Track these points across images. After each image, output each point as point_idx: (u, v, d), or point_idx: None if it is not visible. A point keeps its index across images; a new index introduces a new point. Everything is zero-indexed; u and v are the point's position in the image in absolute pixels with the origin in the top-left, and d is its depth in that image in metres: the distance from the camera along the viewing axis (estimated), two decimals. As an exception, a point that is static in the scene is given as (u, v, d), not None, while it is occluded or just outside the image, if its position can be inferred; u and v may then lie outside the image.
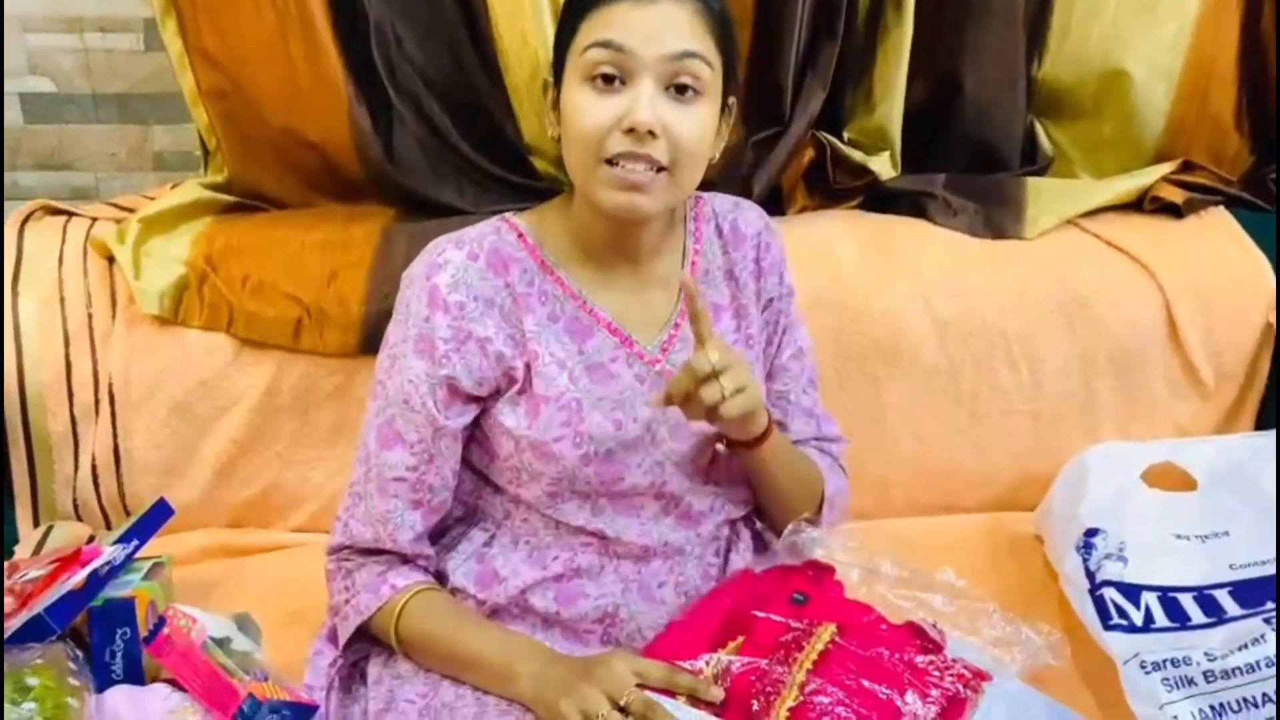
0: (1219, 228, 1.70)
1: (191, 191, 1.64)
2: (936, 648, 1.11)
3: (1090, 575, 1.37)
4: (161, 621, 1.12)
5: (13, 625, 1.11)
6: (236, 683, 1.10)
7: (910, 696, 1.03)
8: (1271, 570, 1.35)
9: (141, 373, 1.53)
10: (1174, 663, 1.23)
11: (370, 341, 1.44)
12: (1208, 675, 1.22)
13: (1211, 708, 1.20)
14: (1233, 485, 1.49)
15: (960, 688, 1.06)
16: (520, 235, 1.22)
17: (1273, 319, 1.62)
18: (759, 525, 1.32)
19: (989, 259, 1.65)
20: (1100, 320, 1.62)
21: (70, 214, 1.63)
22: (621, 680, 1.05)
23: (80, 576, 1.16)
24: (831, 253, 1.63)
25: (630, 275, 1.24)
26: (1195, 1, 1.67)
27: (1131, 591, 1.34)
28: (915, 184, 1.71)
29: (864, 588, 1.19)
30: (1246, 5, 1.69)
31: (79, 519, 1.57)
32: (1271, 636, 1.23)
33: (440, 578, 1.24)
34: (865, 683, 1.04)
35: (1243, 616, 1.29)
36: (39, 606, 1.12)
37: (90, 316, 1.54)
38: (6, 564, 1.26)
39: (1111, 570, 1.36)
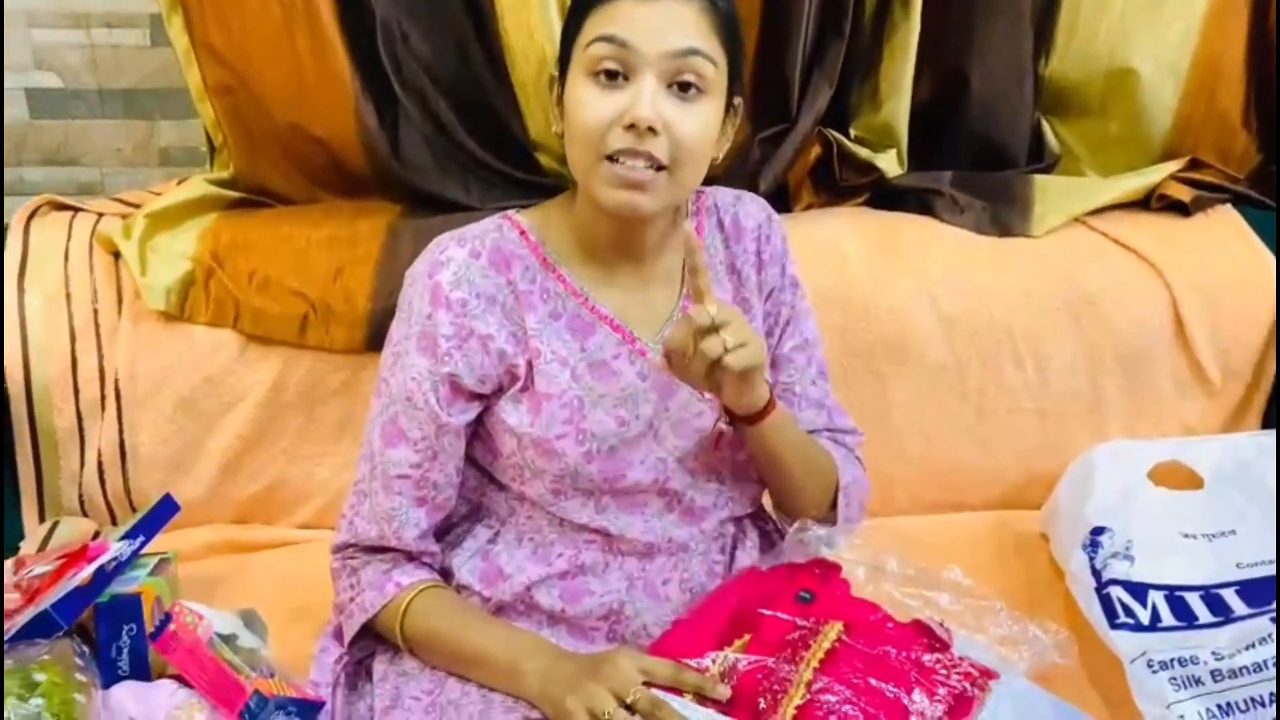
0: (1226, 226, 1.70)
1: (197, 187, 1.64)
2: (943, 646, 1.10)
3: (1096, 574, 1.37)
4: (168, 618, 1.12)
5: (19, 621, 1.11)
6: (243, 679, 1.10)
7: (917, 695, 1.03)
8: (1279, 569, 1.35)
9: (147, 368, 1.53)
10: (1181, 662, 1.23)
11: (376, 337, 1.44)
12: (1215, 674, 1.22)
13: (1219, 707, 1.20)
14: (1239, 484, 1.49)
15: (967, 686, 1.06)
16: (522, 233, 1.22)
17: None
18: (775, 516, 1.32)
19: (995, 257, 1.65)
20: (1107, 318, 1.62)
21: (76, 209, 1.63)
22: (628, 678, 1.05)
23: (87, 572, 1.16)
24: (838, 250, 1.62)
25: (633, 273, 1.23)
26: (1203, -1, 1.67)
27: (1138, 590, 1.34)
28: (922, 181, 1.71)
29: (870, 586, 1.19)
30: (1254, 3, 1.69)
31: (85, 515, 1.57)
32: (1279, 636, 1.23)
33: (445, 575, 1.24)
34: (872, 681, 1.04)
35: (1250, 615, 1.29)
36: (46, 602, 1.12)
37: (96, 312, 1.54)
38: (13, 560, 1.26)
39: (1118, 569, 1.36)
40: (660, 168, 1.11)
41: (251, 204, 1.67)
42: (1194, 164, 1.75)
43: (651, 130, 1.09)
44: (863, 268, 1.62)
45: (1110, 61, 1.69)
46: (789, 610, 1.12)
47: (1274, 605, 1.29)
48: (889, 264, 1.63)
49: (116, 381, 1.53)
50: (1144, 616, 1.31)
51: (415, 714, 1.17)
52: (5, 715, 1.01)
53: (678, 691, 1.04)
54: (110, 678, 1.17)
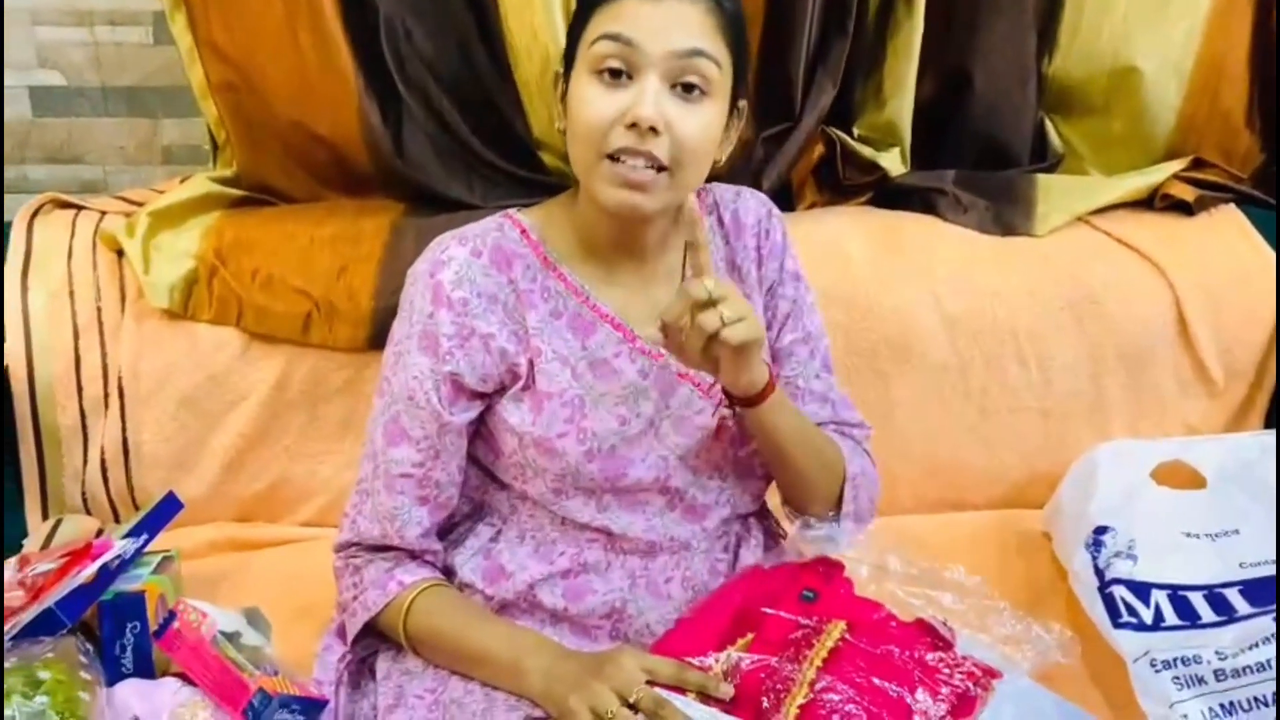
0: (1230, 225, 1.70)
1: (201, 185, 1.64)
2: (947, 645, 1.10)
3: (1099, 573, 1.37)
4: (171, 615, 1.12)
5: (23, 619, 1.11)
6: (246, 677, 1.10)
7: (921, 694, 1.03)
8: (1283, 569, 1.35)
9: (151, 366, 1.53)
10: (1184, 661, 1.24)
11: (379, 336, 1.43)
12: (1218, 674, 1.22)
13: (1222, 706, 1.20)
14: (1242, 483, 1.49)
15: (970, 685, 1.06)
16: (523, 231, 1.22)
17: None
18: (782, 513, 1.31)
19: (999, 256, 1.65)
20: (1110, 318, 1.62)
21: (79, 207, 1.63)
22: (631, 677, 1.05)
23: (91, 570, 1.16)
24: (841, 249, 1.62)
25: (634, 271, 1.23)
26: (1207, -2, 1.67)
27: (1141, 589, 1.34)
28: (925, 180, 1.71)
29: (873, 585, 1.19)
30: (1258, 3, 1.69)
31: (88, 512, 1.57)
32: (1283, 635, 1.23)
33: (448, 573, 1.24)
34: (875, 680, 1.04)
35: (1253, 615, 1.30)
36: (50, 600, 1.12)
37: (99, 310, 1.54)
38: (17, 558, 1.26)
39: (1121, 568, 1.36)
40: (661, 168, 1.11)
41: (254, 202, 1.67)
42: (1197, 163, 1.75)
43: (653, 130, 1.09)
44: (866, 267, 1.61)
45: (1114, 61, 1.69)
46: (792, 609, 1.12)
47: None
48: (892, 263, 1.62)
49: (120, 379, 1.53)
50: (1147, 616, 1.31)
51: (418, 712, 1.17)
52: (10, 713, 1.01)
53: (681, 690, 1.04)
54: (114, 675, 1.17)
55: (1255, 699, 1.20)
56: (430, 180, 1.62)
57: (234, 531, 1.58)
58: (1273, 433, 1.58)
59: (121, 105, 1.85)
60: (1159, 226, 1.68)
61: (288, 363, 1.55)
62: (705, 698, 1.04)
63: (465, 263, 1.17)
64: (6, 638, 1.09)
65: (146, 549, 1.31)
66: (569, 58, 1.16)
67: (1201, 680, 1.22)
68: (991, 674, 1.07)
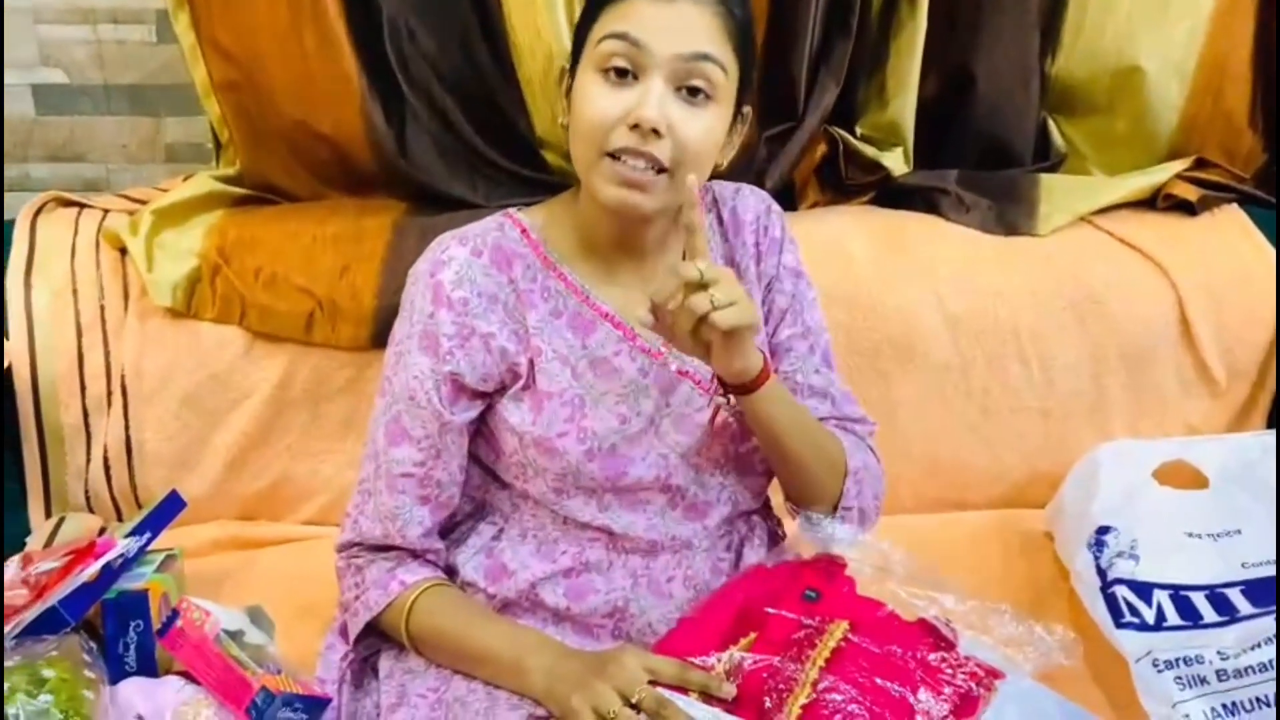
0: (1232, 225, 1.70)
1: (203, 184, 1.64)
2: (949, 645, 1.10)
3: (1101, 573, 1.37)
4: (174, 614, 1.12)
5: (27, 617, 1.11)
6: (249, 675, 1.10)
7: (923, 694, 1.03)
8: (1285, 569, 1.35)
9: (153, 365, 1.54)
10: (1186, 661, 1.24)
11: (382, 335, 1.43)
12: (1220, 674, 1.22)
13: (1224, 706, 1.20)
14: (1245, 483, 1.49)
15: (973, 685, 1.05)
16: (524, 231, 1.22)
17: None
18: (785, 510, 1.31)
19: (1001, 256, 1.65)
20: (1112, 317, 1.62)
21: (82, 206, 1.64)
22: (633, 676, 1.05)
23: (94, 569, 1.16)
24: (843, 248, 1.62)
25: (634, 270, 1.23)
26: (1210, -2, 1.66)
27: (1143, 589, 1.34)
28: (928, 180, 1.71)
29: (875, 584, 1.19)
30: (1261, 3, 1.68)
31: (91, 510, 1.57)
32: (1284, 635, 1.23)
33: (450, 573, 1.24)
34: (878, 680, 1.03)
35: (1255, 615, 1.30)
36: (53, 599, 1.12)
37: (103, 308, 1.54)
38: (21, 556, 1.26)
39: (1123, 568, 1.36)
40: (661, 170, 1.11)
41: (257, 201, 1.67)
42: (1200, 163, 1.74)
43: (655, 132, 1.09)
44: (868, 266, 1.61)
45: (1117, 60, 1.69)
46: (794, 609, 1.12)
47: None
48: (894, 263, 1.62)
49: (123, 378, 1.53)
50: (1149, 616, 1.31)
51: (421, 711, 1.17)
52: (14, 712, 1.01)
53: (683, 690, 1.04)
54: (117, 674, 1.17)
55: (1257, 699, 1.20)
56: (433, 179, 1.62)
57: (237, 530, 1.58)
58: (1274, 433, 1.58)
59: (124, 103, 1.85)
60: (1161, 226, 1.68)
61: (290, 361, 1.55)
62: (708, 697, 1.03)
63: (465, 262, 1.17)
64: (10, 636, 1.09)
65: (149, 547, 1.31)
66: (576, 53, 1.16)
67: (1204, 680, 1.22)
68: (994, 674, 1.07)
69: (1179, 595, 1.34)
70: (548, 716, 1.10)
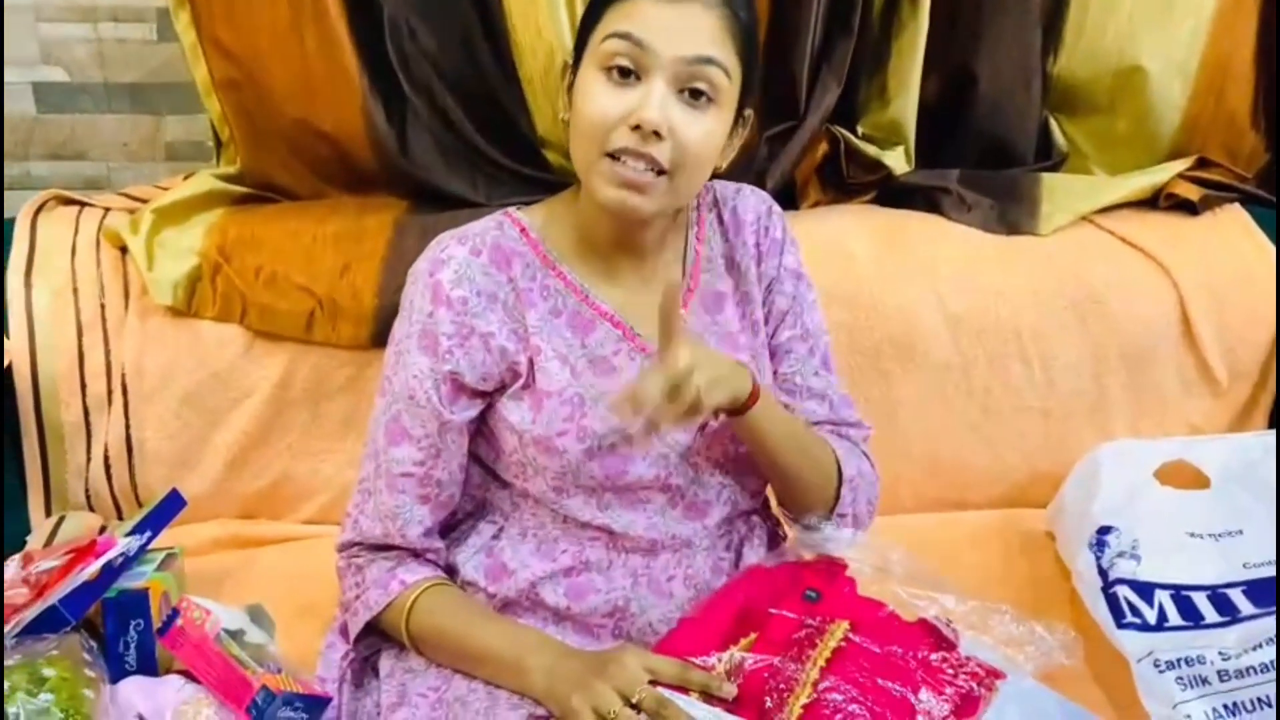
0: (1234, 225, 1.69)
1: (204, 182, 1.64)
2: (950, 645, 1.10)
3: (1103, 573, 1.37)
4: (175, 613, 1.12)
5: (27, 616, 1.10)
6: (250, 675, 1.10)
7: (924, 694, 1.03)
8: (1287, 570, 1.35)
9: (154, 363, 1.54)
10: (1188, 661, 1.23)
11: (382, 334, 1.43)
12: (1222, 674, 1.22)
13: (1225, 706, 1.20)
14: (1246, 483, 1.49)
15: (974, 686, 1.05)
16: (523, 230, 1.22)
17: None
18: (778, 512, 1.31)
19: (1002, 255, 1.65)
20: (1114, 317, 1.62)
21: (83, 204, 1.63)
22: (634, 676, 1.04)
23: (94, 567, 1.16)
24: (845, 248, 1.62)
25: (633, 269, 1.23)
26: (1212, -2, 1.66)
27: (1145, 590, 1.34)
28: (929, 179, 1.71)
29: (876, 584, 1.19)
30: (1263, 3, 1.68)
31: (91, 509, 1.57)
32: (1286, 636, 1.23)
33: (450, 572, 1.24)
34: (879, 680, 1.03)
35: (1256, 615, 1.29)
36: (53, 597, 1.12)
37: (103, 307, 1.54)
38: (21, 555, 1.26)
39: (1124, 568, 1.36)
40: (661, 172, 1.11)
41: (258, 199, 1.67)
42: (1202, 163, 1.74)
43: (656, 134, 1.09)
44: (869, 266, 1.61)
45: (1119, 60, 1.69)
46: (795, 609, 1.12)
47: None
48: (896, 262, 1.62)
49: (123, 376, 1.53)
50: (1150, 616, 1.31)
51: (421, 710, 1.17)
52: (14, 711, 1.01)
53: (684, 690, 1.04)
54: (118, 673, 1.17)
55: (1259, 699, 1.20)
56: (434, 178, 1.62)
57: (237, 529, 1.58)
58: (1275, 433, 1.58)
59: (125, 102, 1.85)
60: (1163, 226, 1.68)
61: (291, 360, 1.55)
62: (708, 697, 1.03)
63: (464, 262, 1.17)
64: (10, 635, 1.09)
65: (150, 546, 1.31)
66: (579, 49, 1.16)
67: (1205, 681, 1.22)
68: (995, 674, 1.07)
69: (1180, 595, 1.33)
70: (548, 716, 1.10)
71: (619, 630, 1.21)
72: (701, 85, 1.10)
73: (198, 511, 1.53)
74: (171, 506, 1.37)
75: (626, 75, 1.10)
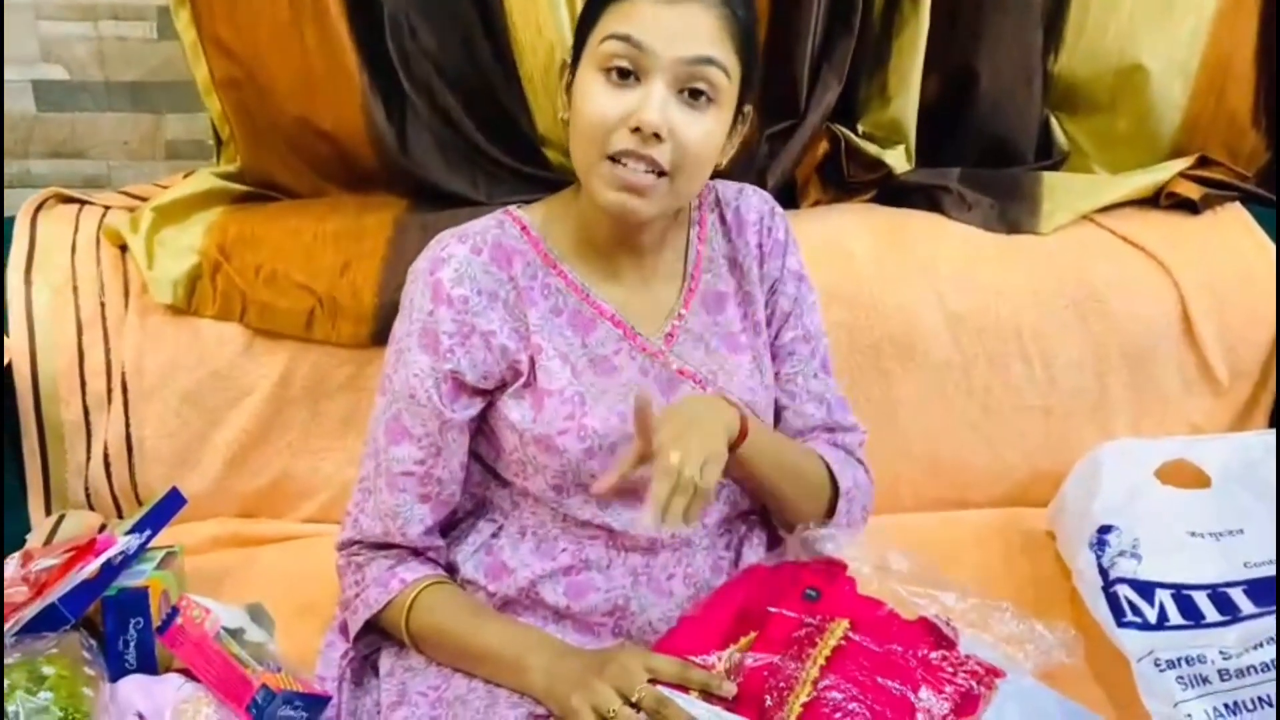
0: (1235, 224, 1.69)
1: (204, 181, 1.64)
2: (950, 644, 1.10)
3: (1104, 572, 1.36)
4: (174, 611, 1.12)
5: (27, 614, 1.10)
6: (250, 673, 1.10)
7: (924, 692, 1.03)
8: (1288, 569, 1.35)
9: (154, 362, 1.53)
10: (1188, 661, 1.23)
11: (382, 332, 1.43)
12: (1222, 674, 1.22)
13: (1226, 706, 1.20)
14: (1247, 483, 1.48)
15: (974, 684, 1.05)
16: (524, 228, 1.22)
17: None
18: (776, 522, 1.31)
19: (1003, 254, 1.64)
20: (1114, 316, 1.62)
21: (83, 202, 1.63)
22: (633, 675, 1.05)
23: (94, 566, 1.16)
24: (845, 247, 1.62)
25: (634, 268, 1.23)
26: (1213, -3, 1.66)
27: (1145, 589, 1.33)
28: (930, 178, 1.71)
29: (876, 583, 1.18)
30: (1264, 1, 1.68)
31: (91, 508, 1.57)
32: (1287, 635, 1.23)
33: (450, 570, 1.24)
34: (879, 679, 1.03)
35: (1257, 615, 1.29)
36: (53, 596, 1.12)
37: (103, 305, 1.54)
38: (20, 553, 1.26)
39: (1125, 567, 1.36)
40: (661, 173, 1.11)
41: (258, 198, 1.67)
42: (1203, 161, 1.74)
43: (656, 136, 1.09)
44: (870, 265, 1.61)
45: (1120, 58, 1.69)
46: (795, 607, 1.12)
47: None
48: (896, 261, 1.62)
49: (123, 375, 1.53)
50: (1151, 615, 1.31)
51: (421, 709, 1.17)
52: (14, 709, 1.01)
53: (683, 689, 1.04)
54: (117, 671, 1.17)
55: (1259, 699, 1.19)
56: (434, 176, 1.62)
57: (237, 527, 1.58)
58: (1276, 432, 1.58)
59: (125, 100, 1.85)
60: (1164, 225, 1.68)
61: (291, 359, 1.55)
62: (708, 696, 1.04)
63: (465, 260, 1.17)
64: (10, 633, 1.09)
65: (149, 545, 1.31)
66: (577, 48, 1.16)
67: (1205, 680, 1.22)
68: (995, 673, 1.07)
69: (1181, 595, 1.33)
70: (547, 715, 1.10)
71: (619, 629, 1.21)
72: (701, 85, 1.10)
73: (197, 510, 1.53)
74: (171, 505, 1.36)
75: (625, 76, 1.10)
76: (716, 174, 1.22)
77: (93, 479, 1.56)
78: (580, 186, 1.21)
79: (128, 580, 1.23)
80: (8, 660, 1.06)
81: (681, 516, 1.03)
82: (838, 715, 1.00)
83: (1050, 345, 1.62)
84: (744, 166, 1.61)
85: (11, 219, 1.58)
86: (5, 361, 1.50)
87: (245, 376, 1.55)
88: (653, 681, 1.04)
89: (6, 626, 1.09)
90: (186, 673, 1.14)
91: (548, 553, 1.21)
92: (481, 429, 1.22)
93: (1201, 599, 1.32)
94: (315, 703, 1.14)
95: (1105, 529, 1.41)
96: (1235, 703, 1.20)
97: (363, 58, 1.56)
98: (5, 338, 1.51)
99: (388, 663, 1.22)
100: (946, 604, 1.15)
